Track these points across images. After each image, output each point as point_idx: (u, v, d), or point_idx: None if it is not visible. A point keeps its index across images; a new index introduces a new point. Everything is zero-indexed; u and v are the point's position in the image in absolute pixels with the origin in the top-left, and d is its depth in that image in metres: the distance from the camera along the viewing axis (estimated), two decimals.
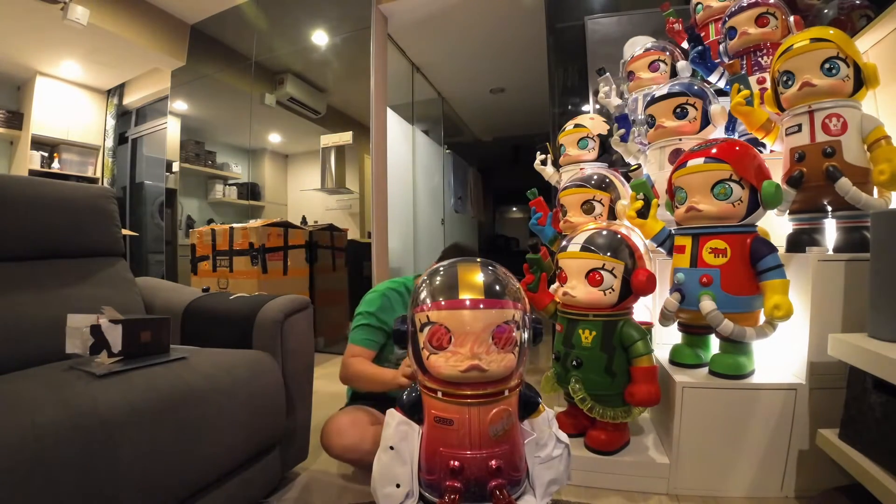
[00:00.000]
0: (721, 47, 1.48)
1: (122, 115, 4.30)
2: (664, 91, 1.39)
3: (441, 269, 0.84)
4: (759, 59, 1.38)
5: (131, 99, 4.21)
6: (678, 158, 1.15)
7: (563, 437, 0.87)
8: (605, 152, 1.73)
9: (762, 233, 1.10)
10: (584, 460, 1.13)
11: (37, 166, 3.71)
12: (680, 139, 1.38)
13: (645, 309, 1.39)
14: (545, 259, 1.45)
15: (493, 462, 0.76)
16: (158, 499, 0.77)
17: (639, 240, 1.18)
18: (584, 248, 1.10)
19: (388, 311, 1.24)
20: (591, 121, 1.75)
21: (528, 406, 0.85)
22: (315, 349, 1.23)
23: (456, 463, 0.76)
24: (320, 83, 3.46)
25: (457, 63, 3.99)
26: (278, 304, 1.14)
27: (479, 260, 0.85)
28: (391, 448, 0.82)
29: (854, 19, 1.38)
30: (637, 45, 1.79)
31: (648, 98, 1.45)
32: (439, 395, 0.78)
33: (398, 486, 0.79)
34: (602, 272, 1.08)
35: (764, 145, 1.29)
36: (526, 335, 0.81)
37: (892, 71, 1.14)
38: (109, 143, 4.20)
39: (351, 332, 1.25)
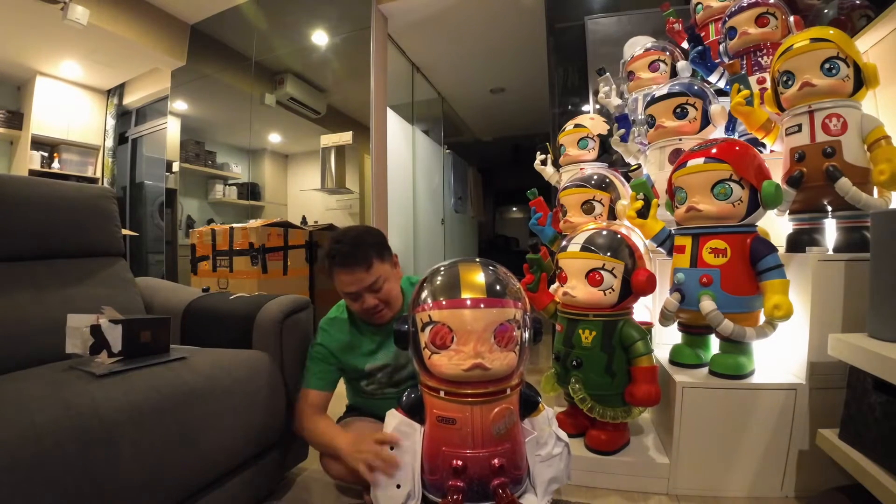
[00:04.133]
0: (721, 47, 1.48)
1: (122, 115, 4.30)
2: (664, 91, 1.39)
3: (442, 269, 0.84)
4: (759, 59, 1.38)
5: (131, 99, 4.21)
6: (678, 158, 1.15)
7: (563, 435, 0.87)
8: (605, 152, 1.73)
9: (762, 233, 1.10)
10: (584, 460, 1.13)
11: (37, 166, 3.70)
12: (680, 139, 1.38)
13: (645, 309, 1.39)
14: (545, 259, 1.45)
15: (496, 460, 0.77)
16: (158, 499, 0.77)
17: (639, 240, 1.18)
18: (584, 248, 1.10)
19: (330, 339, 1.13)
20: (591, 121, 1.75)
21: (529, 405, 0.85)
22: None
23: (459, 462, 0.76)
24: (320, 83, 3.46)
25: (457, 63, 3.99)
26: (278, 304, 1.14)
27: (479, 260, 0.85)
28: (391, 449, 0.82)
29: (854, 19, 1.38)
30: (637, 45, 1.79)
31: (648, 98, 1.45)
32: (441, 394, 0.79)
33: (398, 486, 0.79)
34: (602, 272, 1.08)
35: (764, 145, 1.29)
36: (527, 334, 0.81)
37: (892, 71, 1.14)
38: (109, 143, 4.20)
39: (305, 372, 1.13)
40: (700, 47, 1.62)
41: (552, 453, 0.84)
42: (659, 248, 1.24)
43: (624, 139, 1.66)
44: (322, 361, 1.12)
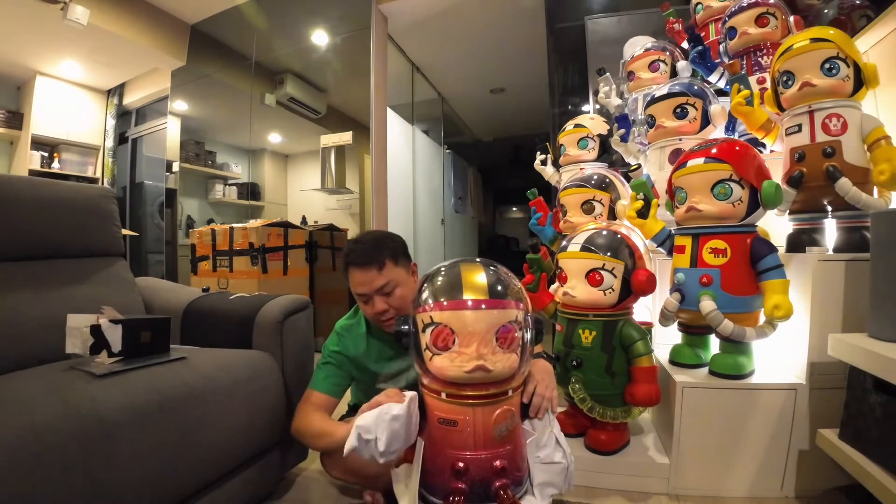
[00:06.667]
0: (721, 47, 1.48)
1: (122, 115, 4.30)
2: (664, 91, 1.39)
3: (443, 269, 0.84)
4: (759, 59, 1.38)
5: (131, 99, 4.21)
6: (678, 158, 1.15)
7: (564, 444, 0.86)
8: (605, 152, 1.73)
9: (762, 233, 1.10)
10: (584, 460, 1.12)
11: (37, 166, 3.70)
12: (680, 139, 1.38)
13: (645, 309, 1.39)
14: (545, 259, 1.45)
15: (498, 462, 0.76)
16: (158, 498, 0.77)
17: (639, 240, 1.18)
18: (584, 248, 1.10)
19: (346, 346, 1.13)
20: (591, 121, 1.75)
21: (529, 405, 0.85)
22: (315, 349, 1.23)
23: (461, 464, 0.76)
24: (320, 83, 3.45)
25: (457, 63, 3.99)
26: (278, 304, 1.14)
27: (480, 260, 0.85)
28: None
29: (854, 19, 1.38)
30: (637, 45, 1.79)
31: (648, 98, 1.45)
32: (443, 396, 0.78)
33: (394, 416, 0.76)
34: (602, 272, 1.08)
35: (764, 145, 1.29)
36: (528, 335, 0.81)
37: (892, 71, 1.14)
38: (109, 143, 4.20)
39: (314, 373, 1.13)
40: (700, 47, 1.62)
41: (552, 459, 0.83)
42: (659, 248, 1.24)
43: (624, 139, 1.66)
44: (335, 366, 1.11)
